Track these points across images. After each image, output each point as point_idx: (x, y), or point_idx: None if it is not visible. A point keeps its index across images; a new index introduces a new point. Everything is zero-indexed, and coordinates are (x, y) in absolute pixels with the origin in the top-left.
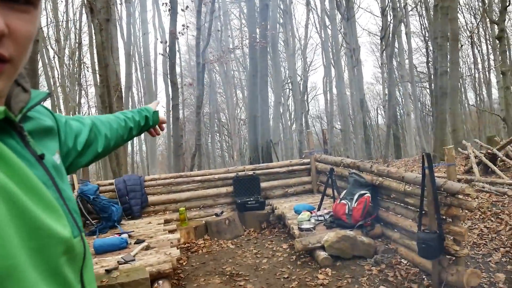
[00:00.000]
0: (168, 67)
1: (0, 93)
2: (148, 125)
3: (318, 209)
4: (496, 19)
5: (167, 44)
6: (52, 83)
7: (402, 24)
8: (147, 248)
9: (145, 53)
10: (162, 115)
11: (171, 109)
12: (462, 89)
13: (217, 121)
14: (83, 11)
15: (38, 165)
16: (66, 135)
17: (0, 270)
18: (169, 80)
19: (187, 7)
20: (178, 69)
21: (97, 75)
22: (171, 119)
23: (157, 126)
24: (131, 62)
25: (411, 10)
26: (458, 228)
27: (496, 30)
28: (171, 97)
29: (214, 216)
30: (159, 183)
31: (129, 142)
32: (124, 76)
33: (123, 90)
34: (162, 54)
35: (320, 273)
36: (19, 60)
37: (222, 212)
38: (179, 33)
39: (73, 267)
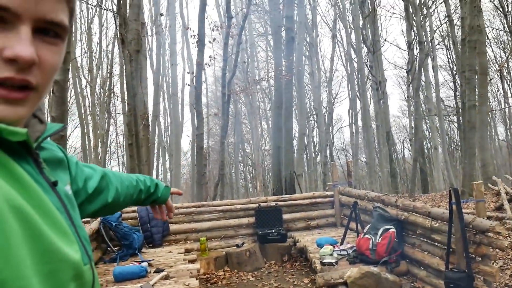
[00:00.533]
0: (194, 97)
1: (23, 119)
2: (157, 195)
3: (341, 243)
4: None
5: (194, 74)
6: (83, 111)
7: (429, 57)
8: (166, 277)
9: (173, 84)
10: (171, 202)
11: (195, 138)
12: (492, 124)
13: (241, 151)
14: (115, 43)
15: (51, 191)
16: (76, 174)
17: None
18: (194, 109)
19: (214, 39)
20: (204, 99)
21: (126, 104)
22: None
23: (164, 209)
24: (159, 92)
25: (438, 44)
26: (489, 268)
27: None
28: (196, 127)
29: (235, 247)
30: (181, 212)
31: (154, 169)
32: (151, 106)
33: (150, 119)
34: (189, 85)
35: None
36: (44, 89)
37: (243, 243)
38: (206, 64)
39: None
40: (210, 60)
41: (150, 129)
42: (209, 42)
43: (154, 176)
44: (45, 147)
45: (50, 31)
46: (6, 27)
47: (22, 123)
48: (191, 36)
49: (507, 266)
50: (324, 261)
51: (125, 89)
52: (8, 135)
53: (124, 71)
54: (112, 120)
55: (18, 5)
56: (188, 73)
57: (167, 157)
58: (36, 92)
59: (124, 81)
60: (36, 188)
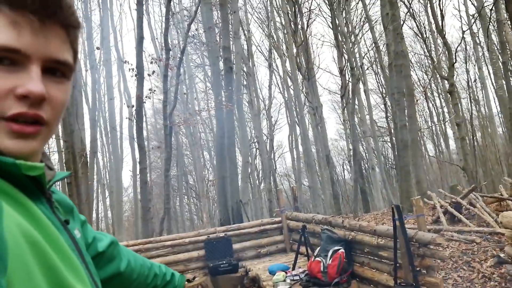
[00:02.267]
0: (135, 131)
1: (35, 154)
2: (174, 285)
3: (293, 268)
4: (446, 75)
5: (134, 108)
6: None
7: (361, 82)
8: None
9: (110, 118)
10: None
11: (138, 173)
12: (422, 142)
13: (184, 183)
14: None
15: (63, 230)
16: (84, 230)
17: None
18: (136, 144)
19: (153, 71)
20: (144, 133)
21: (61, 141)
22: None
23: None
24: (96, 128)
25: (367, 69)
26: (434, 279)
27: (447, 85)
28: (138, 161)
29: (186, 282)
30: None
31: (94, 208)
32: (89, 142)
33: (87, 156)
34: (128, 118)
35: None
36: (53, 125)
37: (194, 278)
38: (146, 97)
39: None
40: (150, 93)
41: (88, 166)
42: (148, 75)
43: (94, 216)
44: (55, 192)
45: (57, 71)
46: (17, 68)
47: (37, 159)
48: (129, 69)
49: (449, 276)
50: (278, 287)
51: (60, 126)
52: (27, 170)
53: None
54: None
55: (28, 46)
56: (128, 106)
57: (107, 194)
58: (46, 128)
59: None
60: (50, 226)
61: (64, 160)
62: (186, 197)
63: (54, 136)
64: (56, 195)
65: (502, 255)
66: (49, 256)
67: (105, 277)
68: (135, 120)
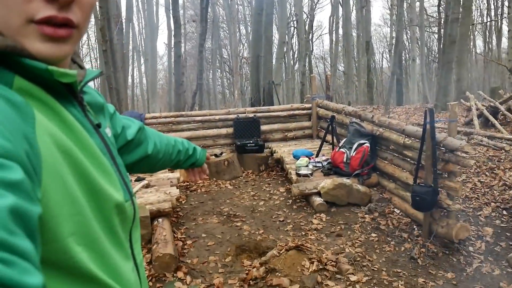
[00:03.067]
0: (170, 0)
1: (67, 56)
2: (195, 158)
3: (317, 156)
4: None
5: None
6: None
7: None
8: (147, 186)
9: None
10: (205, 164)
11: (173, 46)
12: (472, 36)
13: (219, 57)
14: None
15: (95, 133)
16: (114, 120)
17: (74, 224)
18: (170, 13)
19: None
20: (180, 1)
21: (97, 7)
22: (172, 56)
23: (197, 171)
24: None
25: None
26: (453, 183)
27: None
28: (173, 34)
29: (214, 157)
30: (159, 122)
31: (130, 74)
32: (124, 9)
33: (123, 23)
34: None
35: (315, 218)
36: (83, 27)
37: (221, 153)
38: None
39: (123, 228)
40: None
41: (124, 33)
42: None
43: (130, 81)
44: (86, 91)
45: None
46: None
47: (66, 64)
48: None
49: (469, 179)
50: (300, 172)
51: None
52: (59, 76)
53: None
54: None
55: None
56: None
57: (142, 61)
58: (77, 30)
59: None
60: (82, 131)
61: (99, 27)
62: (219, 71)
63: None
64: (87, 96)
65: None
66: (82, 163)
67: (135, 160)
68: None
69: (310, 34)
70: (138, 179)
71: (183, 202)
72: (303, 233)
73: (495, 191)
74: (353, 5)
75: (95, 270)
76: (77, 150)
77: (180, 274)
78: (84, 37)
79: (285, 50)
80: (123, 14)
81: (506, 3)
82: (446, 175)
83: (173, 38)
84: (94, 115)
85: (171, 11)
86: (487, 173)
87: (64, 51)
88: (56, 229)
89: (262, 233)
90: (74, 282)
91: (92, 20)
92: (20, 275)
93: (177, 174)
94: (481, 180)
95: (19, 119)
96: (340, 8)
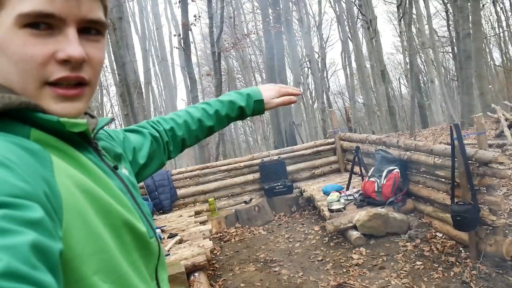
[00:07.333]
0: (184, 60)
1: (81, 113)
2: (245, 112)
3: (347, 189)
4: None
5: (181, 36)
6: None
7: None
8: (180, 241)
9: (160, 47)
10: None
11: (191, 101)
12: (487, 50)
13: None
14: None
15: (113, 175)
16: (124, 149)
17: (98, 261)
18: (186, 72)
19: None
20: (194, 59)
21: (116, 74)
22: None
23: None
24: (148, 57)
25: None
26: (494, 197)
27: None
28: (189, 89)
29: (243, 204)
30: (186, 176)
31: None
32: (142, 72)
33: (142, 86)
34: (177, 47)
35: (355, 253)
36: (95, 83)
37: (251, 199)
38: (192, 24)
39: (148, 264)
40: (195, 20)
41: (144, 96)
42: (192, 0)
43: None
44: (100, 138)
45: (91, 29)
46: (54, 32)
47: (78, 116)
48: None
49: (510, 192)
50: (332, 207)
51: (113, 59)
52: (71, 127)
53: (109, 41)
54: (104, 91)
55: (61, 10)
56: (174, 35)
57: None
58: (89, 87)
59: (111, 51)
60: (100, 173)
61: (119, 93)
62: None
63: (110, 69)
64: (102, 142)
65: None
66: (103, 198)
67: (153, 171)
68: (183, 49)
69: (324, 72)
70: (171, 236)
71: (218, 253)
72: (344, 270)
73: None
74: (362, 38)
75: None
76: (98, 188)
77: None
78: (108, 106)
79: (301, 90)
80: (142, 78)
81: None
82: (485, 190)
83: (190, 94)
84: (110, 159)
85: (185, 69)
86: None
87: (77, 108)
88: (80, 268)
89: (302, 275)
90: None
91: (113, 87)
92: None
93: (209, 226)
94: None
95: (37, 163)
96: (350, 43)
